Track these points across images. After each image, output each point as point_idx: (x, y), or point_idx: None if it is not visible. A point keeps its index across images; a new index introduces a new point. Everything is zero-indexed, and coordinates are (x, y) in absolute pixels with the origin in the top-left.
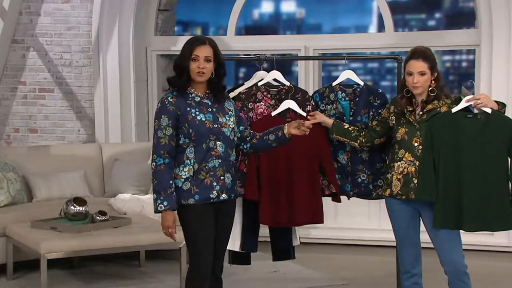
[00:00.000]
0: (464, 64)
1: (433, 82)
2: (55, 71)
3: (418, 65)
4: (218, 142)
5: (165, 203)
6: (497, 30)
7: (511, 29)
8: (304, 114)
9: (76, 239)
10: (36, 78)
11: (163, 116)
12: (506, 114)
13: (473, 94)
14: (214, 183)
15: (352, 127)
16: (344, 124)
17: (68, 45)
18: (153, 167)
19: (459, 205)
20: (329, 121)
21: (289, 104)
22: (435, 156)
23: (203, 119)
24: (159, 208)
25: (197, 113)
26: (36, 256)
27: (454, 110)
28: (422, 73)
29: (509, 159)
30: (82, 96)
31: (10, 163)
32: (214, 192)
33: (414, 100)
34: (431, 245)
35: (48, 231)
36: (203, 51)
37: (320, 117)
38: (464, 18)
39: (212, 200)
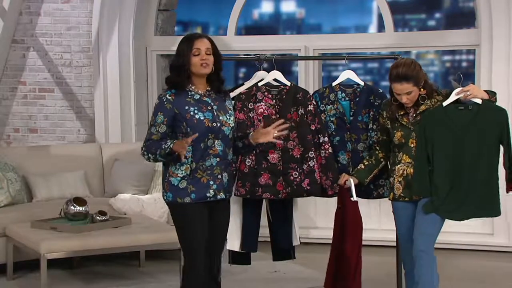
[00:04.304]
0: (464, 64)
1: (422, 90)
2: (55, 71)
3: (403, 88)
4: (216, 141)
5: (168, 143)
6: (497, 30)
7: (511, 29)
8: (356, 199)
9: (76, 239)
10: (36, 78)
11: (159, 113)
12: (507, 109)
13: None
14: (211, 182)
15: (365, 160)
16: (360, 166)
17: (68, 45)
18: (142, 151)
19: (450, 195)
20: (353, 179)
21: None
22: (429, 151)
23: (202, 117)
24: (167, 150)
25: (195, 111)
26: (36, 256)
27: (445, 104)
28: (408, 93)
29: (501, 147)
30: (82, 96)
31: (10, 163)
32: (211, 191)
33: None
34: (435, 246)
35: (48, 231)
36: (203, 44)
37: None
38: (464, 18)
39: (208, 199)
